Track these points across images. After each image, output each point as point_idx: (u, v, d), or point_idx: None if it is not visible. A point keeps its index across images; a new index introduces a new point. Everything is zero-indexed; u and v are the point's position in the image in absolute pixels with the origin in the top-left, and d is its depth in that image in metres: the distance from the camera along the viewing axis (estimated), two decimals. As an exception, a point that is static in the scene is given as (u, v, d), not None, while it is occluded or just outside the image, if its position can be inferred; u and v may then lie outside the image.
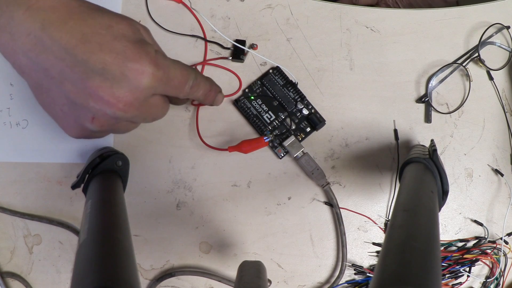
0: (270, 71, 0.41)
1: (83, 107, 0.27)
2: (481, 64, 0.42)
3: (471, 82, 0.42)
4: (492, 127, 0.42)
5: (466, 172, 0.42)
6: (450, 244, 0.41)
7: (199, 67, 0.41)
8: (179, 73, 0.29)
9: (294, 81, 0.41)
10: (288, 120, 0.40)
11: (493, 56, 0.43)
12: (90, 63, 0.26)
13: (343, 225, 0.40)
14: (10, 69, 0.39)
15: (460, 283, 0.41)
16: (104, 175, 0.34)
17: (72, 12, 0.26)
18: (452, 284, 0.41)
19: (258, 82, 0.41)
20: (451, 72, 0.42)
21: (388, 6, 0.61)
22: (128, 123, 0.31)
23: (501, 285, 0.41)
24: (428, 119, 0.42)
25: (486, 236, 0.41)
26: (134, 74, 0.26)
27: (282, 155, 0.40)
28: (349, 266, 0.40)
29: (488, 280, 0.41)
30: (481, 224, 0.41)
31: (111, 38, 0.26)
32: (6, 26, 0.26)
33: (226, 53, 0.41)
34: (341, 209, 0.40)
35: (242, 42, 0.40)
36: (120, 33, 0.27)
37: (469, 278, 0.41)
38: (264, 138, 0.37)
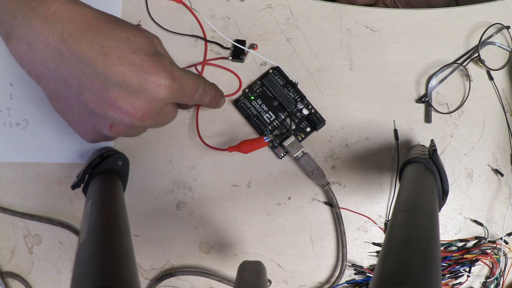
0: (270, 71, 0.41)
1: (101, 115, 0.28)
2: (481, 64, 0.42)
3: (471, 82, 0.42)
4: (492, 127, 0.42)
5: (466, 172, 0.42)
6: (450, 244, 0.41)
7: (199, 67, 0.41)
8: (191, 84, 0.31)
9: (294, 81, 0.41)
10: (288, 120, 0.40)
11: (493, 56, 0.43)
12: (109, 75, 0.27)
13: (343, 225, 0.40)
14: (10, 69, 0.39)
15: (460, 283, 0.41)
16: (104, 175, 0.34)
17: (90, 24, 0.27)
18: (452, 284, 0.41)
19: (258, 82, 0.41)
20: (451, 72, 0.42)
21: (386, 5, 0.61)
22: (141, 129, 0.32)
23: (501, 285, 0.41)
24: (428, 119, 0.42)
25: (486, 236, 0.41)
26: (152, 87, 0.27)
27: (282, 155, 0.40)
28: (349, 266, 0.40)
29: (488, 280, 0.41)
30: (481, 224, 0.41)
31: (130, 51, 0.27)
32: (23, 35, 0.27)
33: (226, 53, 0.41)
34: (341, 209, 0.40)
35: (242, 42, 0.40)
36: (138, 46, 0.28)
37: (469, 278, 0.41)
38: (264, 138, 0.37)
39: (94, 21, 0.27)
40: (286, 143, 0.39)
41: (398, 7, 0.60)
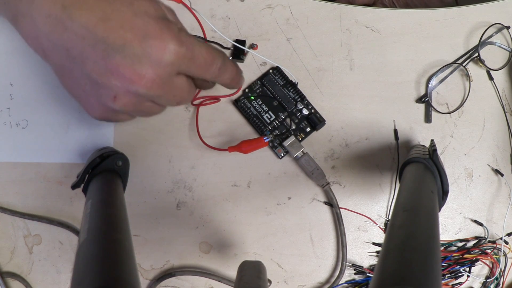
0: (270, 71, 0.41)
1: (104, 86, 0.27)
2: (481, 64, 0.42)
3: (471, 82, 0.42)
4: (492, 127, 0.42)
5: (466, 172, 0.42)
6: (450, 244, 0.41)
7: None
8: (204, 52, 0.28)
9: (294, 81, 0.41)
10: (288, 120, 0.40)
11: (493, 56, 0.43)
12: (110, 41, 0.25)
13: (343, 225, 0.40)
14: (10, 69, 0.39)
15: (460, 283, 0.41)
16: (104, 175, 0.34)
17: None
18: (452, 284, 0.41)
19: (258, 82, 0.41)
20: (451, 72, 0.42)
21: (384, 5, 0.61)
22: (152, 105, 0.30)
23: (501, 285, 0.41)
24: (428, 119, 0.42)
25: (486, 236, 0.41)
26: (155, 51, 0.26)
27: (282, 155, 0.40)
28: (349, 266, 0.40)
29: (488, 280, 0.41)
30: (481, 224, 0.41)
31: (132, 14, 0.26)
32: (27, 11, 0.26)
33: (226, 53, 0.41)
34: (341, 209, 0.40)
35: (242, 42, 0.40)
36: (142, 10, 0.26)
37: (469, 278, 0.41)
38: (264, 138, 0.37)
39: None
40: (286, 143, 0.39)
41: (396, 8, 0.60)
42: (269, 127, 0.40)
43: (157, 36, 0.26)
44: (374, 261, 0.41)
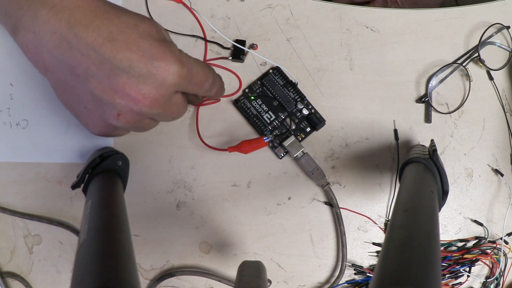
0: (270, 71, 0.41)
1: (108, 103, 0.28)
2: (481, 64, 0.42)
3: (471, 82, 0.42)
4: (492, 127, 0.42)
5: (466, 172, 0.42)
6: (450, 244, 0.41)
7: (199, 67, 0.40)
8: (200, 71, 0.30)
9: (294, 81, 0.41)
10: (288, 120, 0.40)
11: (493, 56, 0.43)
12: (116, 61, 0.26)
13: (343, 225, 0.40)
14: (10, 69, 0.39)
15: (460, 283, 0.41)
16: (104, 175, 0.34)
17: (97, 11, 0.27)
18: (452, 284, 0.41)
19: (258, 82, 0.41)
20: (451, 72, 0.42)
21: (385, 3, 0.60)
22: (150, 121, 0.31)
23: (501, 285, 0.41)
24: (428, 119, 0.42)
25: (486, 236, 0.41)
26: (160, 72, 0.27)
27: (282, 155, 0.40)
28: (349, 266, 0.40)
29: (488, 280, 0.41)
30: (481, 224, 0.41)
31: (137, 36, 0.27)
32: (30, 25, 0.27)
33: (226, 53, 0.41)
34: (341, 209, 0.40)
35: (242, 42, 0.40)
36: (146, 32, 0.27)
37: (469, 278, 0.41)
38: (264, 138, 0.37)
39: (101, 8, 0.27)
40: (286, 143, 0.39)
41: (398, 6, 0.60)
42: (269, 127, 0.40)
43: (161, 57, 0.27)
44: (374, 261, 0.41)
